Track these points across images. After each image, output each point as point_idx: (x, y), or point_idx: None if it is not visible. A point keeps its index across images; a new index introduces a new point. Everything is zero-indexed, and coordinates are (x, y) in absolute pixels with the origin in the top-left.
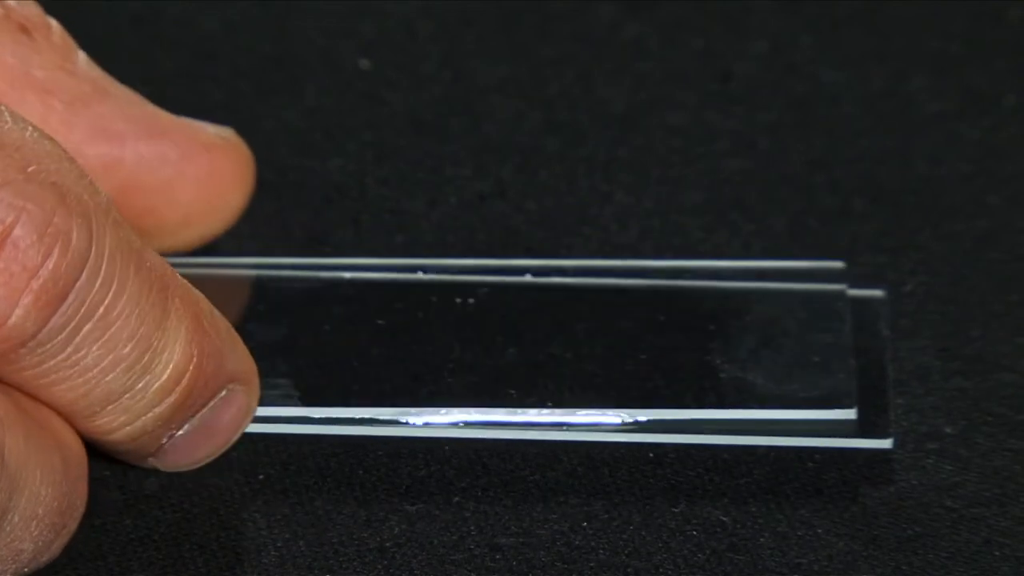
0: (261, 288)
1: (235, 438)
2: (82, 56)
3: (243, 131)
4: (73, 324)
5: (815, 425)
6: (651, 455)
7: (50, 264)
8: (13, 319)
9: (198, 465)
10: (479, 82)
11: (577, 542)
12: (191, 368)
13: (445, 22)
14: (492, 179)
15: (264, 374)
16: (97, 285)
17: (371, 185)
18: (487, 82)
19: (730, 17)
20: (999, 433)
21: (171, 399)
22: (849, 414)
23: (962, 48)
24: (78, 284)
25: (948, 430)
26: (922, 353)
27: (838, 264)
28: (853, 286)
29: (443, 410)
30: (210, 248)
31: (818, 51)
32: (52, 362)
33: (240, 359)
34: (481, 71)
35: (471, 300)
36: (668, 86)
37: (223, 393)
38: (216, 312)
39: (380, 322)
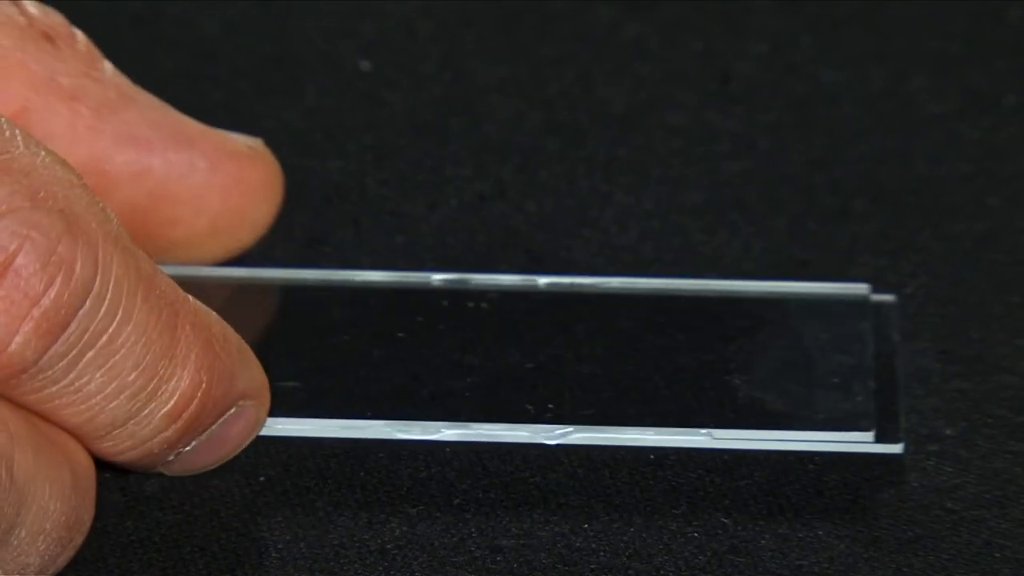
0: (272, 294)
1: (242, 447)
2: (108, 65)
3: (243, 131)
4: (75, 352)
5: (831, 445)
6: (652, 456)
7: (52, 292)
8: (13, 346)
9: (202, 471)
10: (479, 82)
11: (578, 544)
12: (199, 395)
13: (445, 22)
14: (492, 180)
15: (274, 380)
16: (101, 313)
17: (371, 186)
18: (487, 82)
19: (730, 17)
20: (999, 435)
21: (178, 424)
22: (867, 436)
23: (962, 48)
24: (81, 312)
25: (948, 432)
26: (922, 355)
27: (862, 287)
28: None
29: (454, 425)
30: None
31: (818, 51)
32: (54, 388)
33: (251, 377)
34: (481, 71)
35: (483, 304)
36: (668, 86)
37: (232, 410)
38: (229, 332)
39: (390, 327)
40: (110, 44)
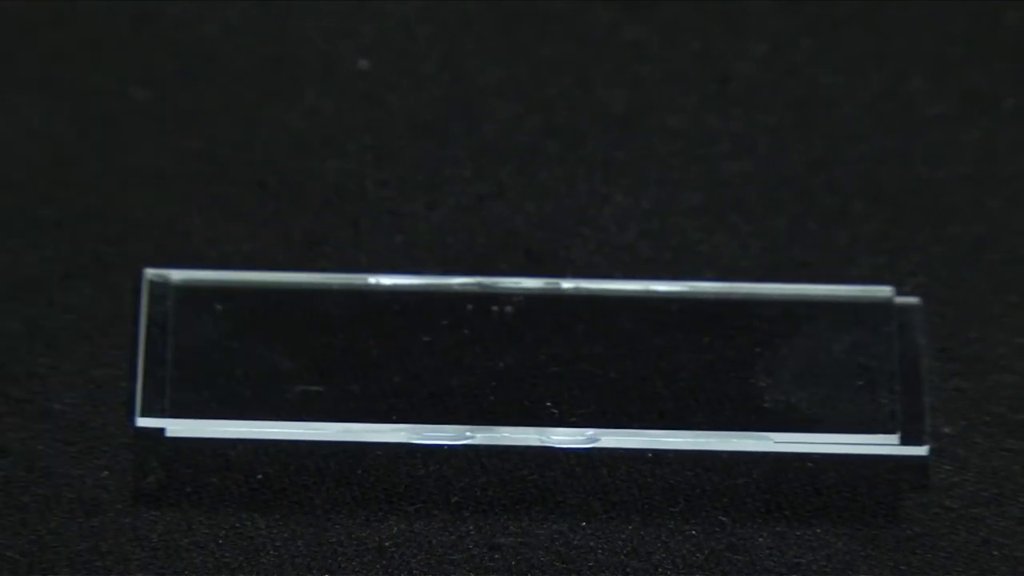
0: (299, 299)
1: None
2: None
3: (242, 133)
4: None
5: (855, 448)
6: (650, 454)
7: None
8: None
9: None
10: (478, 83)
11: (576, 542)
12: None
13: (445, 23)
14: (491, 181)
15: (294, 384)
16: None
17: (370, 187)
18: (486, 83)
19: (729, 18)
20: (997, 433)
21: None
22: (892, 439)
23: (962, 50)
24: None
25: (947, 430)
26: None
27: (887, 290)
28: None
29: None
30: (228, 259)
31: (818, 52)
32: None
33: None
34: (481, 72)
35: (508, 308)
36: (667, 88)
37: None
38: None
39: (413, 331)
40: (110, 44)
